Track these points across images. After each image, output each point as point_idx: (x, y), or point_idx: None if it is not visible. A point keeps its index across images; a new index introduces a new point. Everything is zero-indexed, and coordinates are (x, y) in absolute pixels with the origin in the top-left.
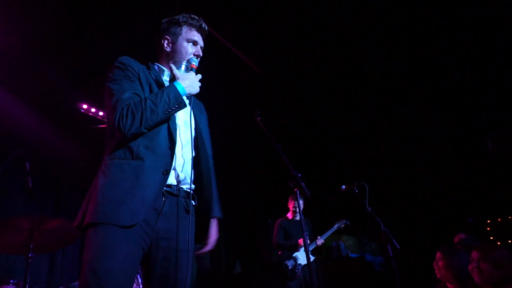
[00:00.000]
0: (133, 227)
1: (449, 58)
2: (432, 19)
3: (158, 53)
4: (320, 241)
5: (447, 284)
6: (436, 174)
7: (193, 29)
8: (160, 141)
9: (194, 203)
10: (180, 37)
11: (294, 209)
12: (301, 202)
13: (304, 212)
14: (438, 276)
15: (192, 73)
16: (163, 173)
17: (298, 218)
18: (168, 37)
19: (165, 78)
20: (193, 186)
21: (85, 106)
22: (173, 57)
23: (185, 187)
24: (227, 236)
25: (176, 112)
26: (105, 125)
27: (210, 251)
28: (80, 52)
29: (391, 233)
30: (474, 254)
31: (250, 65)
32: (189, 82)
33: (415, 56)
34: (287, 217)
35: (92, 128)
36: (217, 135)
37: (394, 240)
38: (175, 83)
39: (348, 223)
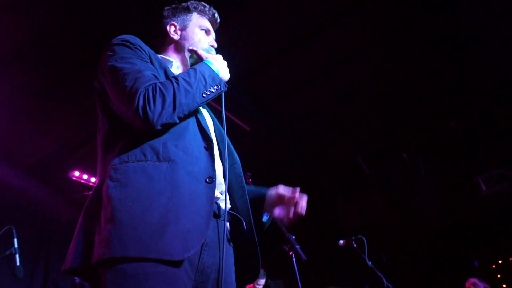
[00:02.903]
0: (181, 265)
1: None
2: (412, 56)
3: (160, 44)
4: None
5: None
6: (433, 221)
7: (204, 17)
8: (191, 139)
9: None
10: (190, 23)
11: None
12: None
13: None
14: None
15: (219, 55)
16: (206, 181)
17: None
18: (175, 24)
19: (173, 70)
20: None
21: (77, 174)
22: (183, 46)
23: (222, 204)
24: None
25: (214, 96)
26: None
27: None
28: (71, 121)
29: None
30: None
31: (240, 124)
32: (220, 64)
33: (403, 100)
34: None
35: (85, 195)
36: None
37: None
38: (206, 61)
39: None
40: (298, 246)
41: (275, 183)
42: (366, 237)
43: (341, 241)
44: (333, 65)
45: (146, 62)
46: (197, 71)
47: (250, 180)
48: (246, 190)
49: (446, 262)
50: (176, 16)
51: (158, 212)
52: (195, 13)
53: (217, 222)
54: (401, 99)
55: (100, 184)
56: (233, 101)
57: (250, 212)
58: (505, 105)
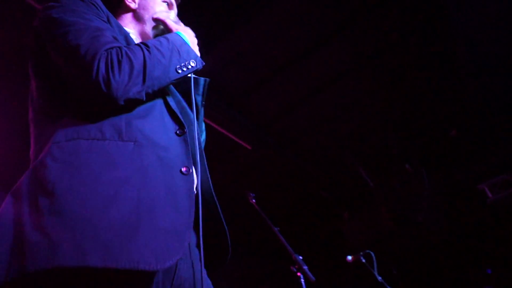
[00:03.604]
0: (154, 278)
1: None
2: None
3: (112, 11)
4: None
5: None
6: (441, 231)
7: None
8: (158, 121)
9: None
10: None
11: None
12: None
13: None
14: None
15: (190, 30)
16: (182, 172)
17: None
18: None
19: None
20: None
21: None
22: (142, 16)
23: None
24: None
25: (189, 72)
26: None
27: None
28: None
29: None
30: None
31: (241, 143)
32: (192, 39)
33: (402, 112)
34: None
35: None
36: None
37: None
38: (178, 33)
39: None
40: (306, 267)
41: (278, 202)
42: (374, 251)
43: (349, 257)
44: (331, 81)
45: (105, 21)
46: (170, 41)
47: (254, 201)
48: (206, 166)
49: (459, 272)
50: None
51: (126, 205)
52: None
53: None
54: (400, 110)
55: (36, 167)
56: (233, 121)
57: (212, 187)
58: (503, 110)
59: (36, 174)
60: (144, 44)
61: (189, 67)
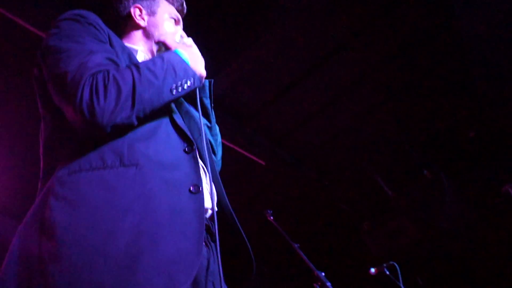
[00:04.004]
0: None
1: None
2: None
3: (119, 29)
4: None
5: None
6: (466, 237)
7: (172, 4)
8: (164, 140)
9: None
10: (159, 9)
11: None
12: None
13: None
14: None
15: (195, 47)
16: (190, 191)
17: None
18: (141, 7)
19: (139, 59)
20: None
21: None
22: (151, 33)
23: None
24: None
25: (187, 92)
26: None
27: None
28: None
29: None
30: None
31: (255, 159)
32: (193, 55)
33: (418, 117)
34: None
35: None
36: None
37: None
38: (176, 51)
39: None
40: (329, 284)
41: (296, 217)
42: (398, 262)
43: (373, 270)
44: (343, 92)
45: (103, 42)
46: (165, 59)
47: (271, 218)
48: (220, 180)
49: (487, 278)
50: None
51: (125, 238)
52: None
53: (208, 245)
54: (415, 116)
55: (40, 204)
56: (245, 136)
57: (227, 200)
58: None
59: (39, 216)
60: (135, 66)
61: (185, 86)
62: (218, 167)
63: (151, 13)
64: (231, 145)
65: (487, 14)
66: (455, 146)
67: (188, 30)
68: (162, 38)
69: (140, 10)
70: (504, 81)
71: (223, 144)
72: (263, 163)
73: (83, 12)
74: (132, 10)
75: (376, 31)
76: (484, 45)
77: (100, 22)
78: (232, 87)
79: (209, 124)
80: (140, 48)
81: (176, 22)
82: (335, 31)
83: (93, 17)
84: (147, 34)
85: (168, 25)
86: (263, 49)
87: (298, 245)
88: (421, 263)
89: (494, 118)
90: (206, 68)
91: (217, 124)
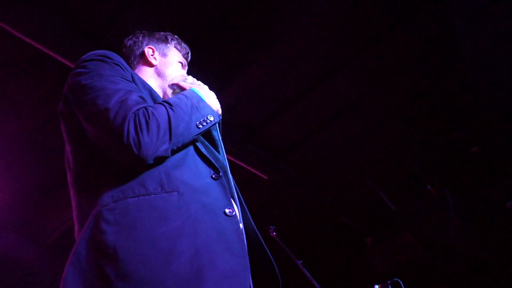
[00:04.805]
0: None
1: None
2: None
3: (134, 67)
4: None
5: None
6: (471, 253)
7: (180, 52)
8: (192, 168)
9: None
10: (170, 52)
11: None
12: None
13: None
14: None
15: (205, 86)
16: (226, 214)
17: None
18: (154, 48)
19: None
20: None
21: None
22: (162, 71)
23: None
24: None
25: (209, 127)
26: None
27: None
28: None
29: None
30: None
31: (257, 173)
32: (208, 93)
33: (419, 132)
34: None
35: None
36: None
37: None
38: (193, 89)
39: None
40: None
41: (299, 232)
42: (402, 278)
43: (376, 286)
44: (344, 108)
45: (130, 82)
46: (189, 98)
47: (274, 233)
48: (244, 203)
49: None
50: (154, 42)
51: (186, 256)
52: (173, 45)
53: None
54: (417, 132)
55: (89, 232)
56: (247, 152)
57: (252, 221)
58: None
59: (93, 241)
60: (166, 102)
61: (208, 121)
62: None
63: (163, 55)
64: (234, 160)
65: (488, 29)
66: (458, 161)
67: (194, 49)
68: (175, 81)
69: (153, 51)
70: (508, 96)
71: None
72: (265, 177)
73: (107, 52)
74: (146, 50)
75: (375, 49)
76: (486, 60)
77: (123, 62)
78: (235, 103)
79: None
80: (152, 85)
81: (183, 66)
82: (337, 49)
83: (117, 57)
84: (158, 72)
85: (177, 68)
86: (266, 66)
87: (301, 261)
88: (426, 280)
89: (498, 133)
90: (210, 85)
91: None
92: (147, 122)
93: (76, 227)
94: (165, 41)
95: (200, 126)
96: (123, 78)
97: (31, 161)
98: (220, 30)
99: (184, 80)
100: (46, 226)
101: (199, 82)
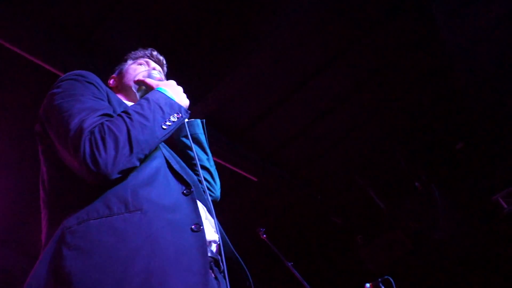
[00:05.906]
0: None
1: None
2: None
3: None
4: None
5: None
6: (461, 248)
7: (141, 58)
8: (163, 184)
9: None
10: (127, 66)
11: None
12: None
13: None
14: None
15: (172, 81)
16: (192, 230)
17: None
18: (114, 76)
19: None
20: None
21: None
22: (125, 84)
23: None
24: None
25: (177, 126)
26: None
27: None
28: None
29: None
30: None
31: (247, 176)
32: (175, 89)
33: (406, 129)
34: None
35: None
36: None
37: None
38: (158, 88)
39: None
40: None
41: (289, 233)
42: (393, 275)
43: (368, 285)
44: (331, 106)
45: (101, 99)
46: (150, 100)
47: (264, 236)
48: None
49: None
50: (115, 70)
51: (137, 279)
52: (131, 58)
53: (217, 278)
54: (403, 129)
55: (51, 256)
56: (236, 153)
57: (224, 233)
58: (509, 119)
59: (53, 265)
60: (125, 113)
61: (174, 120)
62: (218, 193)
63: (121, 74)
64: (223, 163)
65: (469, 24)
66: (445, 157)
67: (181, 52)
68: (139, 77)
69: (114, 79)
70: (491, 91)
71: (215, 162)
72: (255, 179)
73: (83, 72)
74: (110, 82)
75: (362, 46)
76: (469, 56)
77: (98, 80)
78: (222, 105)
79: (206, 156)
80: (127, 102)
81: (147, 63)
82: (322, 48)
83: (92, 76)
84: (122, 88)
85: (136, 69)
86: (252, 67)
87: (292, 263)
88: (416, 276)
89: (482, 129)
90: (197, 87)
91: (209, 142)
92: (103, 138)
93: (43, 245)
94: (123, 61)
95: (165, 127)
96: (94, 97)
97: (18, 170)
98: (205, 33)
99: (149, 75)
100: (37, 237)
101: (165, 81)
